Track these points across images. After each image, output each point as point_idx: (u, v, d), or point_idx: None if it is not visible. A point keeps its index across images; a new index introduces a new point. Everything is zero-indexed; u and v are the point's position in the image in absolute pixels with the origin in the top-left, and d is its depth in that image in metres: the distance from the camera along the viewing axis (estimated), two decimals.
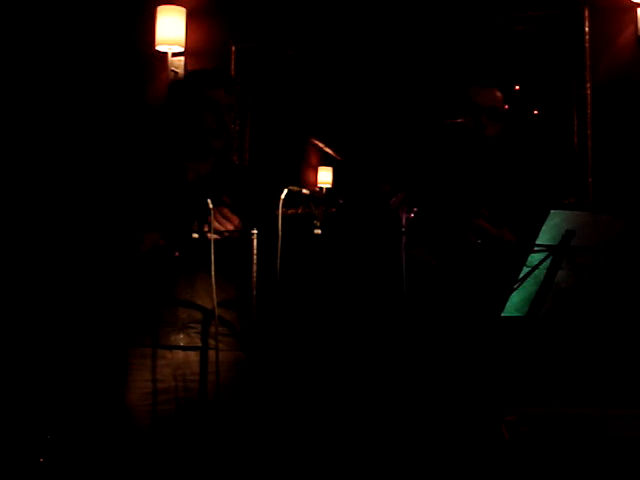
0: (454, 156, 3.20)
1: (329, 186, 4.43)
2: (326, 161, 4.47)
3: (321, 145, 4.44)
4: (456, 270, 3.04)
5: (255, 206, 2.96)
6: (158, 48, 4.41)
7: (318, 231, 2.78)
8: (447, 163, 3.22)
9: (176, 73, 4.39)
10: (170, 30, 4.37)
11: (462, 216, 3.04)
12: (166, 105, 3.32)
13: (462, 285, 3.03)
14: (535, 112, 4.16)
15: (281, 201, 2.75)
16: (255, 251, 2.88)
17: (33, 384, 4.31)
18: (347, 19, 4.27)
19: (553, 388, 3.58)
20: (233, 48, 4.40)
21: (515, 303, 2.74)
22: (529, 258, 2.70)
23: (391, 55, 4.26)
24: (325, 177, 4.47)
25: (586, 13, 3.94)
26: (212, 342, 3.12)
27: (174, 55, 4.42)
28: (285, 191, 2.76)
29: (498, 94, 3.24)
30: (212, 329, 3.13)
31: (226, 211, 2.98)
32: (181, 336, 3.15)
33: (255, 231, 2.90)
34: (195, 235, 2.94)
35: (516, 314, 2.78)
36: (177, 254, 3.04)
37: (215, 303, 2.97)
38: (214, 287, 2.92)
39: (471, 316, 3.01)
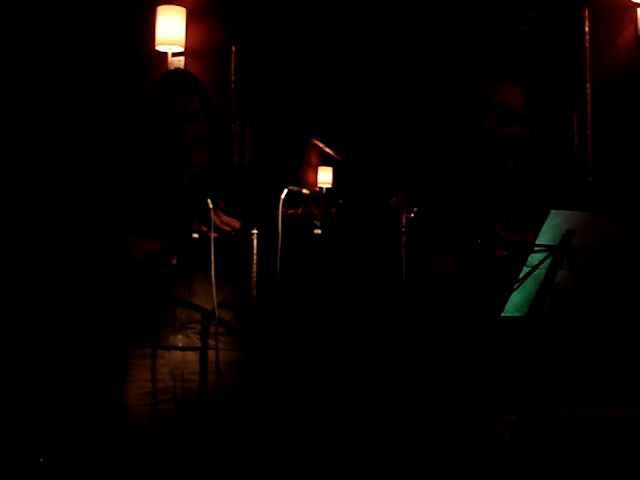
0: (468, 157, 3.13)
1: (329, 186, 4.44)
2: (326, 161, 4.47)
3: (321, 145, 4.44)
4: (472, 274, 3.01)
5: (252, 207, 2.96)
6: (158, 48, 4.41)
7: (318, 231, 2.79)
8: (461, 165, 3.16)
9: None
10: (170, 30, 4.37)
11: (482, 225, 2.99)
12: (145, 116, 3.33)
13: (463, 285, 3.03)
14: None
15: (281, 201, 2.75)
16: (255, 251, 2.88)
17: (33, 384, 4.31)
18: (346, 20, 4.26)
19: (553, 388, 3.57)
20: (233, 48, 4.40)
21: (515, 303, 2.74)
22: (529, 258, 2.69)
23: (391, 55, 4.26)
24: (325, 177, 4.47)
25: (586, 13, 3.93)
26: (211, 342, 3.13)
27: (174, 55, 4.42)
28: (285, 191, 2.76)
29: (514, 93, 3.07)
30: (211, 329, 3.13)
31: (224, 216, 2.98)
32: (179, 336, 3.16)
33: (255, 231, 2.90)
34: (195, 235, 2.94)
35: (516, 314, 2.78)
36: (174, 262, 3.04)
37: (215, 303, 2.97)
38: (214, 287, 2.92)
39: (471, 316, 3.00)
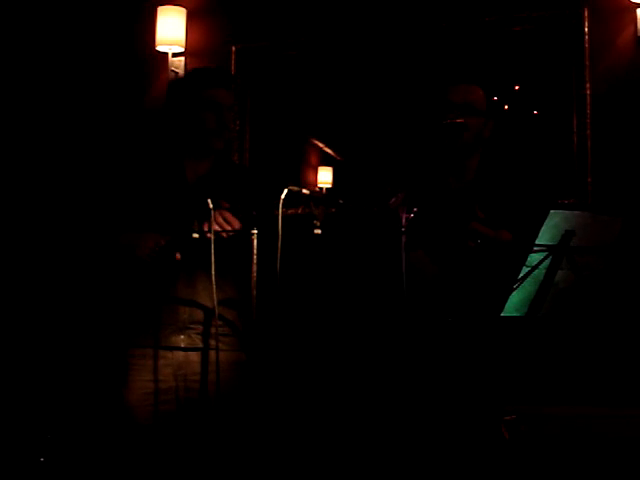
0: (447, 157, 3.18)
1: (329, 186, 4.44)
2: (326, 161, 4.48)
3: (321, 145, 4.45)
4: (454, 271, 3.03)
5: (256, 208, 2.96)
6: (158, 48, 4.41)
7: (318, 231, 2.79)
8: (439, 164, 3.19)
9: (176, 73, 4.39)
10: (170, 30, 4.37)
11: (457, 219, 3.02)
12: (166, 104, 3.31)
13: (461, 285, 3.03)
14: (535, 112, 4.16)
15: (281, 201, 2.75)
16: (255, 251, 2.88)
17: (33, 384, 4.31)
18: (348, 19, 4.27)
19: (553, 388, 3.58)
20: (233, 48, 4.40)
21: (515, 303, 2.74)
22: (529, 258, 2.70)
23: (391, 55, 4.27)
24: (325, 177, 4.48)
25: (586, 13, 3.93)
26: (213, 343, 3.12)
27: (174, 55, 4.42)
28: (285, 191, 2.76)
29: (477, 92, 3.21)
30: (213, 330, 3.13)
31: (227, 214, 2.98)
32: (181, 337, 3.15)
33: (255, 231, 2.90)
34: (195, 235, 2.94)
35: (516, 314, 2.78)
36: (178, 257, 3.04)
37: (216, 302, 2.97)
38: (214, 286, 2.92)
39: (471, 316, 3.01)
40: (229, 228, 2.98)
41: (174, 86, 3.32)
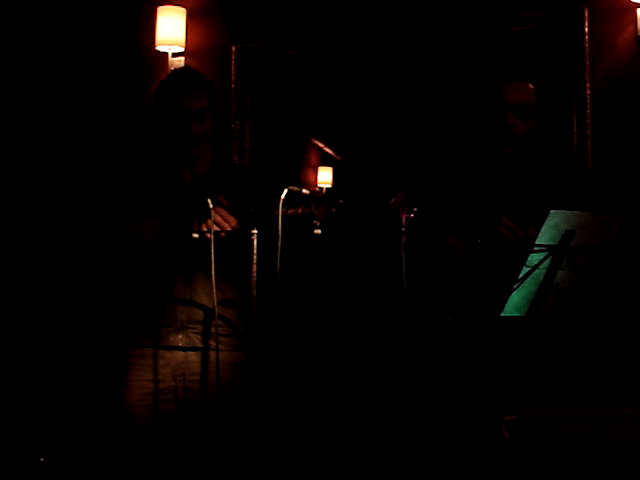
0: (481, 151, 3.13)
1: (329, 186, 4.43)
2: (326, 161, 4.47)
3: (321, 145, 4.44)
4: (485, 260, 2.99)
5: (254, 206, 2.96)
6: (158, 48, 4.41)
7: (318, 231, 2.79)
8: (473, 159, 3.15)
9: None
10: (170, 30, 4.37)
11: (491, 215, 2.98)
12: (150, 116, 3.33)
13: (463, 285, 3.03)
14: None
15: (281, 201, 2.75)
16: (255, 251, 2.88)
17: (33, 384, 4.31)
18: (345, 20, 4.27)
19: (553, 388, 3.57)
20: (233, 48, 4.40)
21: (515, 303, 2.74)
22: (529, 258, 2.69)
23: (391, 55, 4.27)
24: (325, 177, 4.47)
25: (586, 13, 3.94)
26: (212, 343, 3.12)
27: (174, 55, 4.42)
28: (285, 191, 2.76)
29: (529, 90, 3.16)
30: (212, 329, 3.13)
31: (224, 212, 2.98)
32: (180, 337, 3.15)
33: (255, 231, 2.90)
34: (195, 235, 2.94)
35: (516, 314, 2.78)
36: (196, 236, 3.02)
37: (215, 302, 2.97)
38: (214, 286, 2.92)
39: (471, 316, 3.00)
40: (225, 225, 2.98)
41: (155, 99, 3.29)
